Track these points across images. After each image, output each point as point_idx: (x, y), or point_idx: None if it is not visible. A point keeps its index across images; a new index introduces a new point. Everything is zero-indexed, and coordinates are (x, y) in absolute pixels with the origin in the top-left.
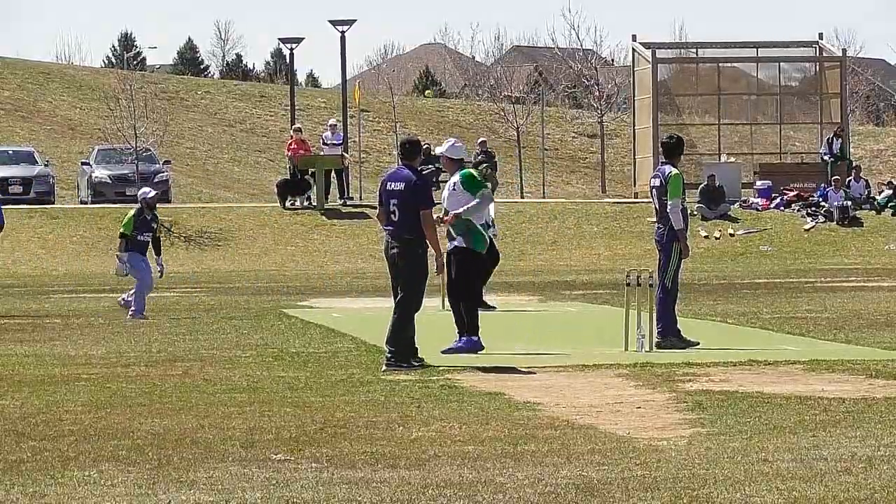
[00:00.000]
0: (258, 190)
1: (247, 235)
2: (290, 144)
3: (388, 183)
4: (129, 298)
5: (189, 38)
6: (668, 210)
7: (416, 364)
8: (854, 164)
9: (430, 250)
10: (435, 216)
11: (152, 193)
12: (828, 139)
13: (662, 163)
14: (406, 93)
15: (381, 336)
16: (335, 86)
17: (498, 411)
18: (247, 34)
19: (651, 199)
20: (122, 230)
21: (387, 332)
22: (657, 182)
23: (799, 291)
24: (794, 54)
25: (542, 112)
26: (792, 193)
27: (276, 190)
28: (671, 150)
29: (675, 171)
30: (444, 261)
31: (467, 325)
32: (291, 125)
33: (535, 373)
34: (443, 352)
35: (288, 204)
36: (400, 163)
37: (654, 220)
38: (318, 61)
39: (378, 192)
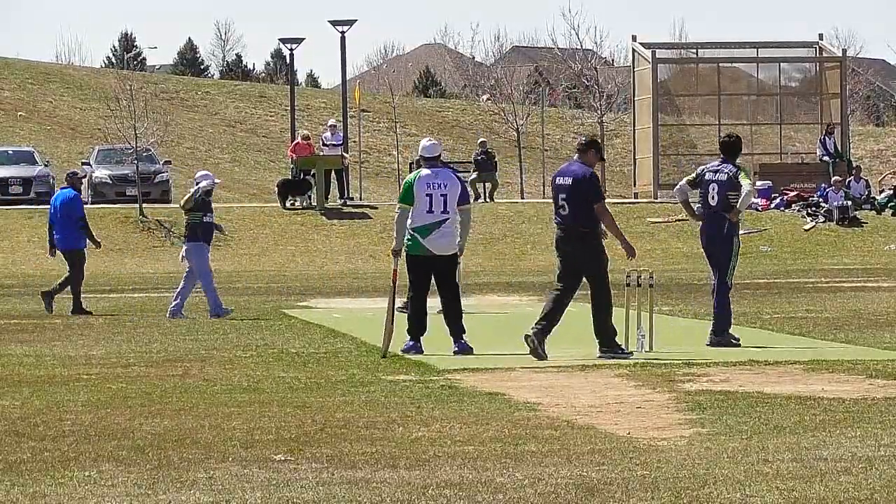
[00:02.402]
0: (258, 190)
1: (247, 235)
2: (295, 146)
3: (557, 178)
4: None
5: (189, 39)
6: (744, 191)
7: (624, 351)
8: (854, 164)
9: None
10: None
11: (210, 181)
12: (820, 139)
13: (723, 161)
14: (406, 93)
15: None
16: (335, 86)
17: (498, 411)
18: (247, 34)
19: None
20: (185, 207)
21: (594, 325)
22: (724, 177)
23: (799, 291)
24: (794, 54)
25: (543, 112)
26: (792, 193)
27: (276, 190)
28: (731, 147)
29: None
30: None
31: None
32: (292, 125)
33: (535, 373)
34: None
35: (288, 204)
36: (575, 157)
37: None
38: (318, 61)
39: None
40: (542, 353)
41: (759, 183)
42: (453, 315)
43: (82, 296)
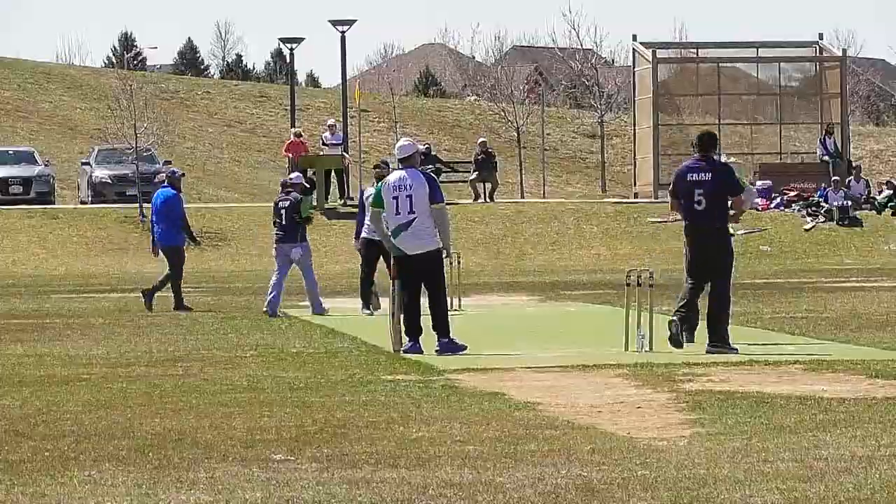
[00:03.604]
0: (258, 190)
1: (247, 235)
2: (289, 145)
3: (690, 174)
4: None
5: (189, 39)
6: (750, 192)
7: (733, 348)
8: (854, 164)
9: None
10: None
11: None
12: (820, 139)
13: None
14: (406, 93)
15: (381, 337)
16: (335, 86)
17: (498, 411)
18: (247, 34)
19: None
20: (304, 215)
21: (707, 318)
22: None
23: (799, 291)
24: (794, 54)
25: (543, 112)
26: (792, 193)
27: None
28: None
29: None
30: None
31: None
32: (292, 125)
33: (535, 373)
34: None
35: None
36: (697, 155)
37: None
38: (318, 61)
39: (673, 187)
40: (681, 340)
41: (759, 183)
42: (436, 314)
43: (183, 292)
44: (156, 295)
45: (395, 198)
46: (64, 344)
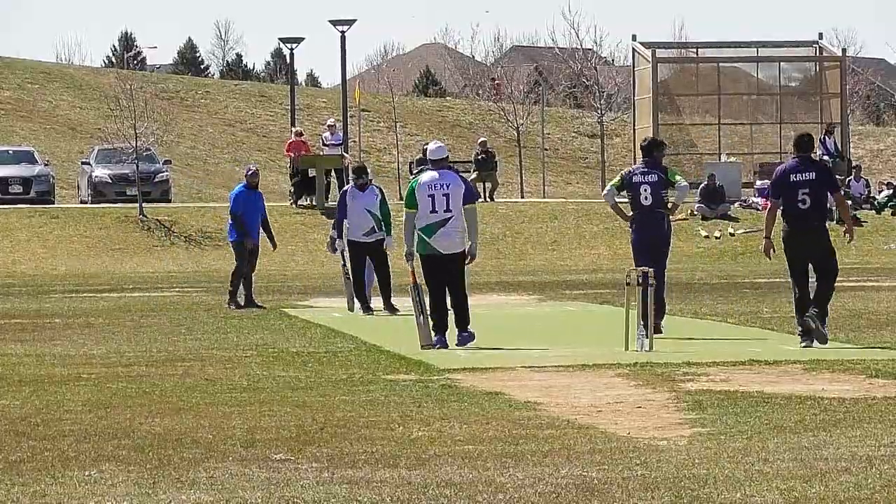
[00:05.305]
0: None
1: None
2: (290, 144)
3: (793, 175)
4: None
5: (189, 38)
6: (683, 186)
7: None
8: (854, 164)
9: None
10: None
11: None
12: (820, 139)
13: (646, 163)
14: (406, 93)
15: (381, 336)
16: (335, 86)
17: (498, 411)
18: (247, 34)
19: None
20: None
21: (815, 307)
22: (655, 178)
23: None
24: (794, 54)
25: (543, 112)
26: None
27: (291, 189)
28: (647, 149)
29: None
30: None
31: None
32: (292, 125)
33: (535, 373)
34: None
35: (297, 202)
36: (796, 156)
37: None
38: (318, 61)
39: (773, 186)
40: (825, 333)
41: (758, 183)
42: (459, 310)
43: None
44: (237, 296)
45: (431, 196)
46: (64, 344)
